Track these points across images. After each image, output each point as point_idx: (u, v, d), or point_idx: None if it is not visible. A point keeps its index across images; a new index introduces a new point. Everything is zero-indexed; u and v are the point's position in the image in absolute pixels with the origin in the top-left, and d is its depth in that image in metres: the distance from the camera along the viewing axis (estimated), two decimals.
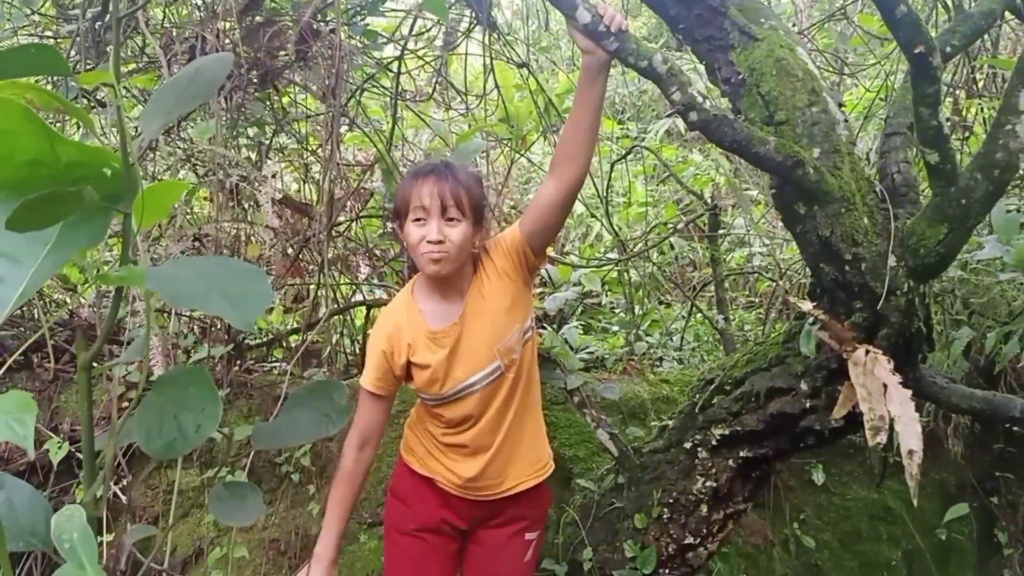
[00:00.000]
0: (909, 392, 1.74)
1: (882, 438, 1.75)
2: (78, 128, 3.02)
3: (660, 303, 4.52)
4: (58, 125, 3.08)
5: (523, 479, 2.02)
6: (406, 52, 3.50)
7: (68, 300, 3.41)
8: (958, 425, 2.97)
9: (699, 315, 3.88)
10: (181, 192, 0.97)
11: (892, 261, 1.89)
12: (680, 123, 6.09)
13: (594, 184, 3.81)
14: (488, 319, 1.91)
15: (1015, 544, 3.11)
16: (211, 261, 1.05)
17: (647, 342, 3.46)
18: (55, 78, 2.80)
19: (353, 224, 3.74)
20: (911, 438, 1.65)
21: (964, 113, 3.19)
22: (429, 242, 1.83)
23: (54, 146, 0.86)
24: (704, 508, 2.47)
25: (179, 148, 3.08)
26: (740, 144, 1.82)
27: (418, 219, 1.85)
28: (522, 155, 4.05)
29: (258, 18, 3.02)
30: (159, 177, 3.12)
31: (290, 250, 3.51)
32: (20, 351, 2.71)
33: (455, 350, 1.90)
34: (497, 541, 2.07)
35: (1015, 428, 2.24)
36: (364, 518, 2.90)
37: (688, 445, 2.47)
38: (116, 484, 2.68)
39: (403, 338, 1.93)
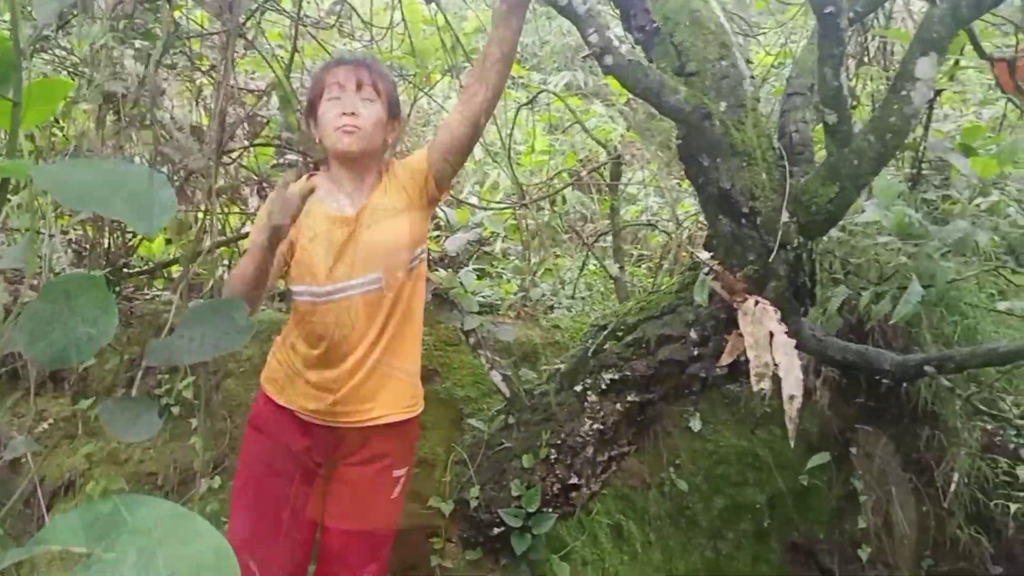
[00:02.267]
0: (793, 341, 1.83)
1: (766, 384, 1.84)
2: None
3: (557, 247, 4.57)
4: None
5: (393, 411, 1.99)
6: None
7: None
8: (827, 378, 3.16)
9: (592, 266, 3.95)
10: (67, 92, 0.90)
11: (785, 216, 1.97)
12: (581, 76, 6.14)
13: (497, 130, 3.79)
14: (382, 228, 1.90)
15: (868, 492, 3.35)
16: (108, 164, 0.98)
17: (541, 289, 3.50)
18: None
19: (245, 153, 3.59)
20: (793, 384, 1.74)
21: (855, 82, 3.32)
22: (344, 114, 1.85)
23: None
24: (590, 450, 2.54)
25: (56, 56, 2.86)
26: (652, 91, 1.85)
27: (333, 97, 1.88)
28: (426, 93, 3.98)
29: None
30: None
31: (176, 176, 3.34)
32: None
33: (344, 247, 1.88)
34: (363, 478, 2.02)
35: (883, 380, 2.40)
36: None
37: (578, 388, 2.52)
38: None
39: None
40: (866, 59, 3.11)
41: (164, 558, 0.62)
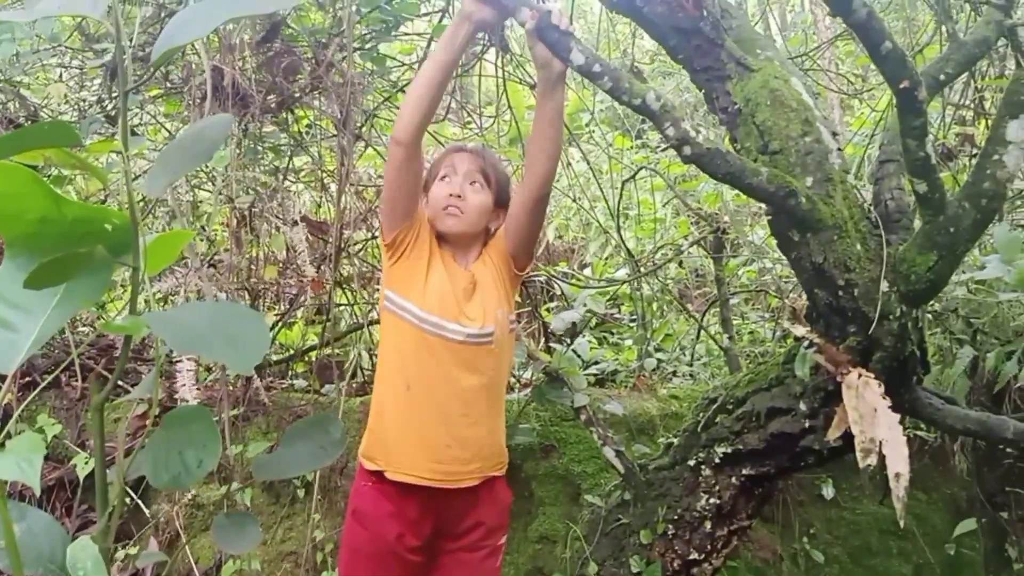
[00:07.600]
0: (898, 416, 1.78)
1: (872, 460, 1.80)
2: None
3: (678, 312, 4.55)
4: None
5: (488, 469, 1.96)
6: None
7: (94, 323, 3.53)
8: (965, 442, 2.99)
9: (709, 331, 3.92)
10: (186, 241, 1.05)
11: (884, 287, 1.93)
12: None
13: (605, 200, 3.88)
14: (491, 286, 1.98)
15: None
16: (214, 307, 1.13)
17: (657, 358, 3.51)
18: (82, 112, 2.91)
19: (369, 243, 3.84)
20: (898, 461, 1.69)
21: (975, 132, 3.21)
22: (450, 195, 1.93)
23: (59, 206, 0.96)
24: (708, 524, 2.52)
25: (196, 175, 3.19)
26: (733, 176, 1.87)
27: (444, 176, 1.97)
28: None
29: (275, 46, 3.12)
30: (180, 201, 3.22)
31: (309, 267, 3.61)
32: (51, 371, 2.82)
33: (468, 292, 1.95)
34: (470, 565, 1.98)
35: (1008, 449, 2.26)
36: None
37: (692, 463, 2.52)
38: (139, 497, 2.78)
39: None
40: (983, 108, 3.00)
41: None
